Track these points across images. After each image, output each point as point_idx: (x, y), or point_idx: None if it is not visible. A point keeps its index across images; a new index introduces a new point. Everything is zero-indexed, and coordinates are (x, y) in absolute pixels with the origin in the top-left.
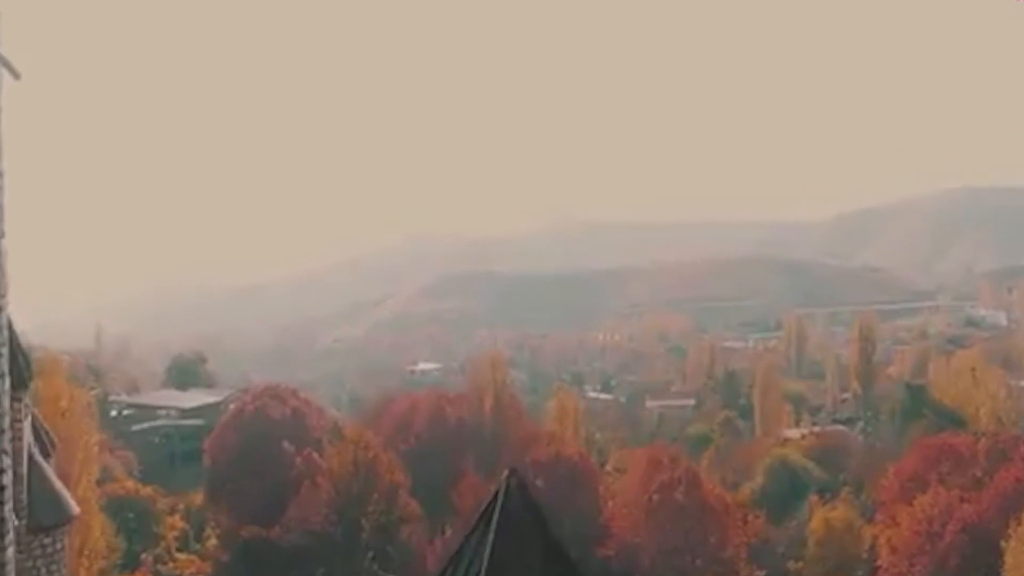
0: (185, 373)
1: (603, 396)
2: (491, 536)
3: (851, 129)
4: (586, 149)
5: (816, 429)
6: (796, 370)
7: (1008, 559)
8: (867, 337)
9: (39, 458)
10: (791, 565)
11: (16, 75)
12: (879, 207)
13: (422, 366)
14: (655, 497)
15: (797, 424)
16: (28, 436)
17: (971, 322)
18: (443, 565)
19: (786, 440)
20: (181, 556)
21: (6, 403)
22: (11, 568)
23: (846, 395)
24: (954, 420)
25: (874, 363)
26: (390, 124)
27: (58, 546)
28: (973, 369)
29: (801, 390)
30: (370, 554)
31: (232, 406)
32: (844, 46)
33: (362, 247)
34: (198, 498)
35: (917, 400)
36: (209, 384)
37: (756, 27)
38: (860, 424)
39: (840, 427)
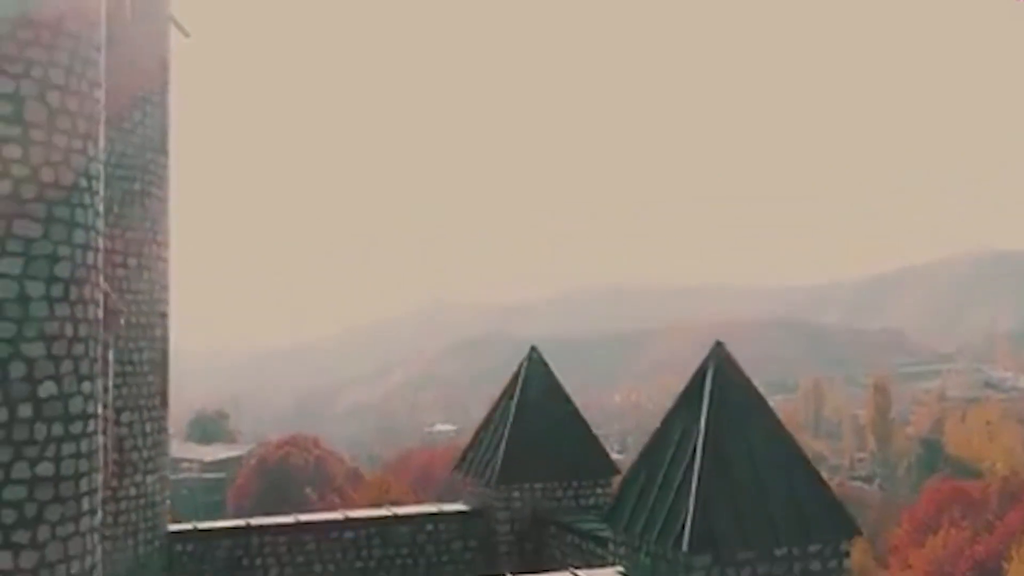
0: (207, 428)
1: (622, 456)
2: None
3: (869, 195)
4: (605, 216)
5: (834, 481)
6: (814, 430)
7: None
8: (882, 392)
9: None
10: None
11: (186, 34)
12: (898, 271)
13: (439, 427)
14: None
15: None
16: None
17: (989, 384)
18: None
19: None
20: None
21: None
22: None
23: (863, 454)
24: (970, 473)
25: (892, 423)
26: (408, 194)
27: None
28: (988, 422)
29: (819, 449)
30: None
31: (256, 455)
32: (863, 118)
33: (380, 313)
34: None
35: (933, 454)
36: (231, 439)
37: (778, 93)
38: (877, 481)
39: (857, 483)
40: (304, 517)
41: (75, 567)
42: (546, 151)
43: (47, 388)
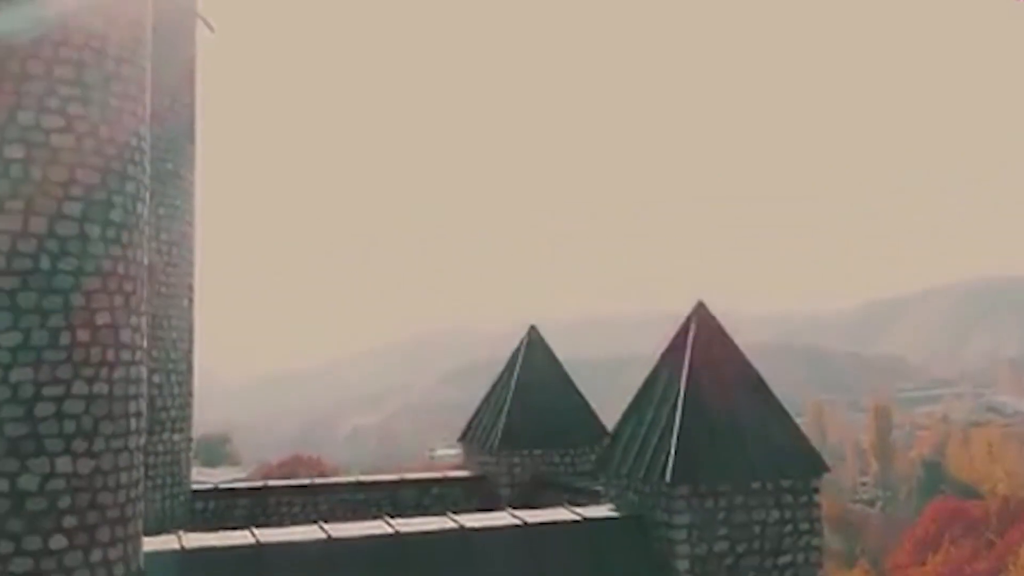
0: (211, 451)
1: None
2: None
3: (871, 221)
4: (611, 242)
5: (837, 505)
6: None
7: None
8: (883, 416)
9: None
10: None
11: (212, 28)
12: (901, 296)
13: (441, 451)
14: None
15: None
16: None
17: (992, 408)
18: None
19: None
20: None
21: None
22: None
23: (866, 479)
24: (972, 495)
25: (893, 446)
26: (412, 218)
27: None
28: (989, 444)
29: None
30: None
31: (259, 476)
32: (863, 142)
33: (380, 339)
34: None
35: (935, 477)
36: (234, 462)
37: (782, 122)
38: (879, 504)
39: (860, 506)
40: (319, 480)
41: (124, 478)
42: (550, 175)
43: (102, 317)
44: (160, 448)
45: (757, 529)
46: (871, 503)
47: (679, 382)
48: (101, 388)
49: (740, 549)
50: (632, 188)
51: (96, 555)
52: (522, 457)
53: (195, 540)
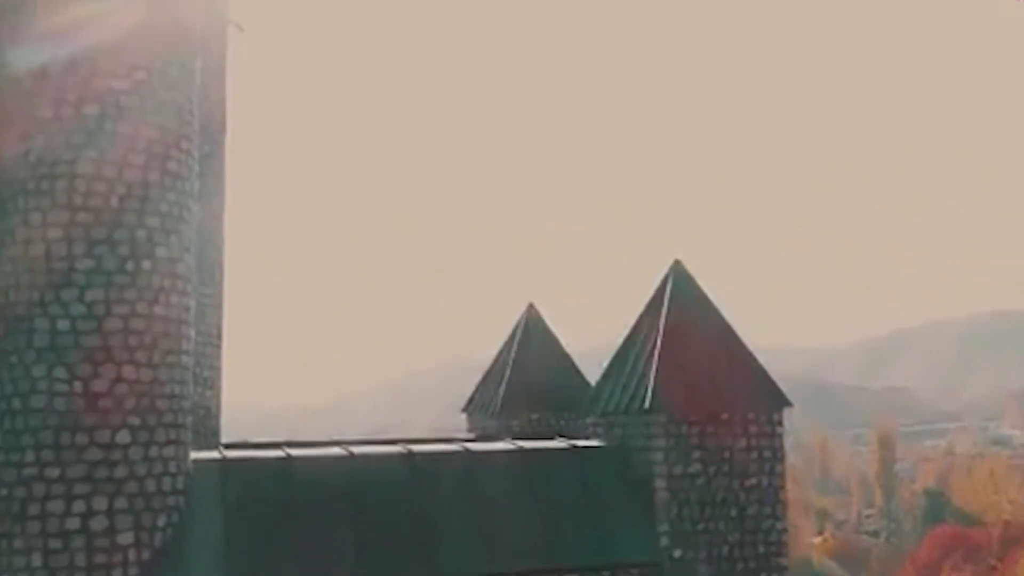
0: None
1: None
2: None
3: (877, 253)
4: (619, 271)
5: (842, 536)
6: (821, 487)
7: None
8: (886, 445)
9: None
10: None
11: (241, 29)
12: (905, 330)
13: None
14: None
15: (820, 534)
16: None
17: (998, 441)
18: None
19: (809, 546)
20: None
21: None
22: None
23: (871, 511)
24: (975, 524)
25: (897, 477)
26: (426, 253)
27: None
28: (991, 472)
29: (826, 505)
30: None
31: None
32: (870, 174)
33: (397, 370)
34: None
35: (939, 507)
36: None
37: (786, 154)
38: (884, 535)
39: (864, 536)
40: (343, 439)
41: (176, 389)
42: (547, 195)
43: (161, 251)
44: (196, 401)
45: (726, 454)
46: (876, 534)
47: (657, 329)
48: (160, 310)
49: (711, 471)
50: (636, 223)
51: (154, 451)
52: (521, 420)
53: (234, 452)
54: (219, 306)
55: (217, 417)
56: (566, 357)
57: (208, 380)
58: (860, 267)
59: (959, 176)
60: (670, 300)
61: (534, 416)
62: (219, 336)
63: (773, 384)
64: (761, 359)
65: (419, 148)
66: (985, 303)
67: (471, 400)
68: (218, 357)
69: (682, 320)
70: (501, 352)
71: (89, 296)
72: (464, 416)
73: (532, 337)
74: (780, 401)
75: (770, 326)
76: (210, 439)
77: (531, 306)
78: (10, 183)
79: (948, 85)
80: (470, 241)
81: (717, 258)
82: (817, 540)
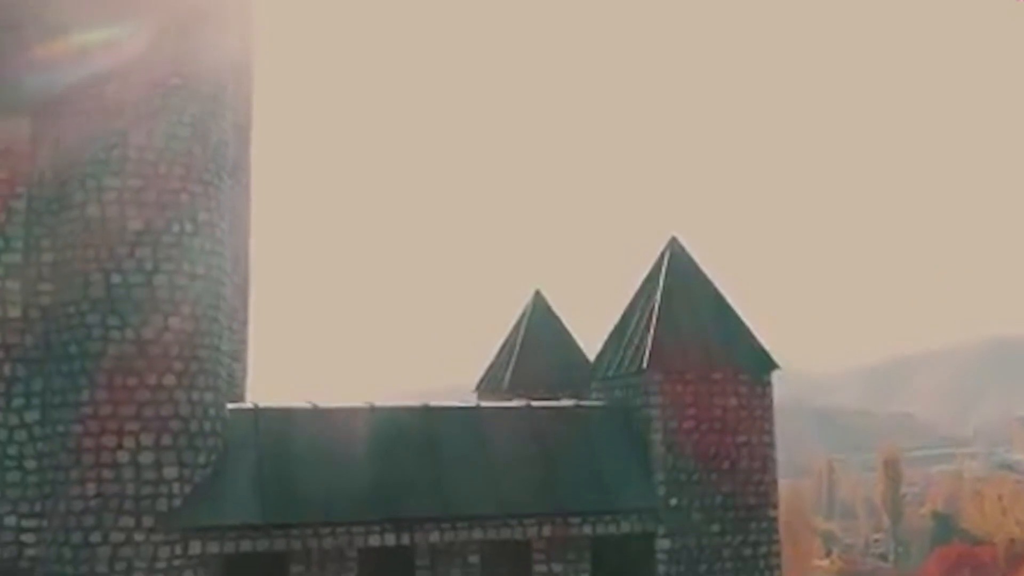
0: None
1: None
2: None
3: (884, 279)
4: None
5: (849, 559)
6: (828, 511)
7: None
8: (893, 467)
9: None
10: None
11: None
12: (913, 355)
13: None
14: None
15: (827, 557)
16: None
17: (1005, 466)
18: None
19: (816, 567)
20: None
21: None
22: None
23: (879, 535)
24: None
25: (904, 500)
26: (430, 254)
27: None
28: (1000, 495)
29: (832, 529)
30: None
31: None
32: (874, 203)
33: (430, 384)
34: None
35: (946, 529)
36: None
37: (790, 186)
38: (893, 558)
39: (872, 560)
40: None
41: (214, 340)
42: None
43: (202, 216)
44: (223, 373)
45: (719, 412)
46: (884, 557)
47: (654, 299)
48: (201, 270)
49: (704, 427)
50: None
51: (195, 395)
52: (527, 397)
53: (266, 403)
54: (245, 293)
55: (243, 387)
56: (570, 340)
57: (236, 353)
58: (867, 292)
59: (966, 203)
60: (666, 272)
61: (540, 395)
62: (245, 307)
63: (762, 348)
64: None
65: (419, 147)
66: (993, 329)
67: (481, 381)
68: (245, 331)
69: (677, 289)
70: (509, 336)
71: (139, 253)
72: (474, 395)
73: (538, 321)
74: (769, 364)
75: (776, 350)
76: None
77: (537, 292)
78: (71, 156)
79: (968, 111)
80: (471, 238)
81: (721, 280)
82: (824, 563)
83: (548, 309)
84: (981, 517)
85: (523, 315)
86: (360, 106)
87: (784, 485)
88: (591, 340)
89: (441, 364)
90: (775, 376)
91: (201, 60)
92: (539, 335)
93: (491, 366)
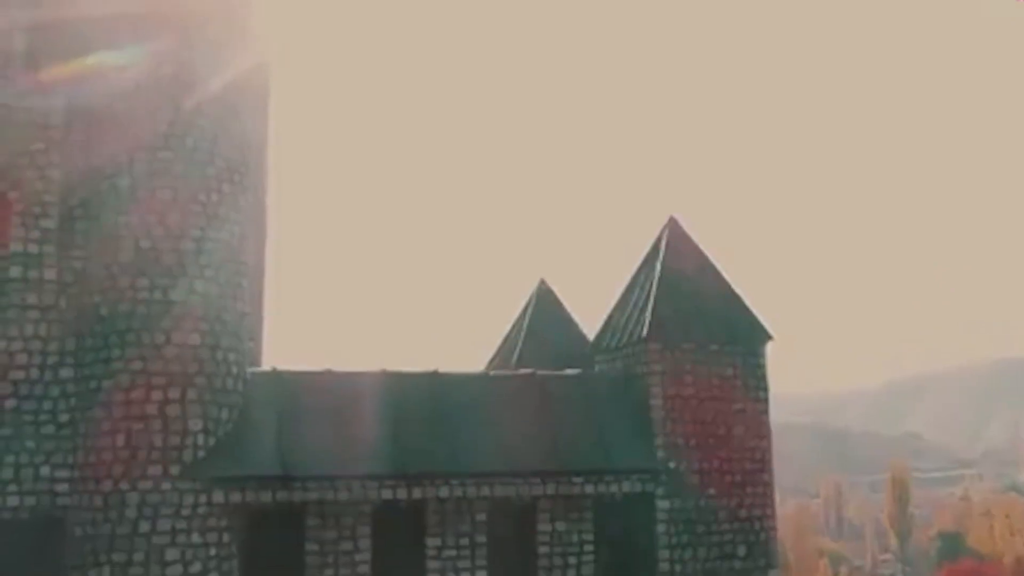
0: None
1: None
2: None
3: (892, 299)
4: None
5: None
6: (836, 532)
7: None
8: (901, 485)
9: None
10: None
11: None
12: (922, 376)
13: None
14: None
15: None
16: None
17: (1014, 487)
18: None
19: None
20: None
21: None
22: None
23: (886, 556)
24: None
25: (913, 522)
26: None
27: None
28: (1007, 515)
29: (840, 549)
30: None
31: None
32: (882, 223)
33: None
34: None
35: (953, 548)
36: None
37: (799, 207)
38: None
39: None
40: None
41: (238, 305)
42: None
43: (226, 187)
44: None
45: (715, 381)
46: None
47: (654, 275)
48: (225, 236)
49: (701, 395)
50: None
51: (219, 355)
52: None
53: (284, 367)
54: (262, 264)
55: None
56: (574, 327)
57: (252, 332)
58: (875, 313)
59: (976, 224)
60: (665, 249)
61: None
62: (261, 293)
63: (757, 321)
64: (774, 404)
65: (421, 147)
66: (1002, 350)
67: (488, 367)
68: (261, 313)
69: (676, 266)
70: (515, 323)
71: (168, 220)
72: None
73: (543, 309)
74: (763, 335)
75: (784, 371)
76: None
77: (542, 281)
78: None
79: (983, 125)
80: (478, 229)
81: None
82: None
83: (553, 297)
84: (989, 537)
85: (528, 303)
86: (362, 107)
87: (792, 505)
88: (595, 327)
89: (448, 352)
90: (783, 397)
91: (221, 74)
92: (544, 322)
93: (497, 353)
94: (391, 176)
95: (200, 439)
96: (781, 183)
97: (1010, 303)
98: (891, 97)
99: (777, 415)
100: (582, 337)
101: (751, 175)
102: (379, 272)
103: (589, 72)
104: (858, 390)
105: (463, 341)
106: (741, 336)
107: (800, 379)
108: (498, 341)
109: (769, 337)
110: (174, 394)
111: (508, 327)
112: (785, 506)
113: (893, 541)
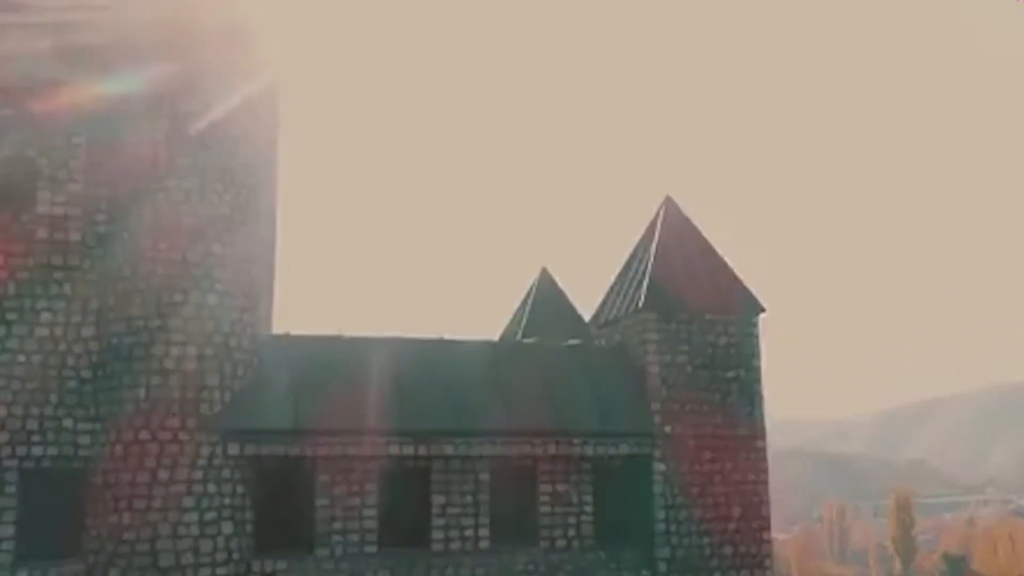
0: None
1: None
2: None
3: (896, 325)
4: None
5: None
6: (840, 556)
7: None
8: (904, 509)
9: None
10: None
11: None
12: (926, 402)
13: None
14: None
15: None
16: None
17: (1019, 513)
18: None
19: None
20: None
21: None
22: None
23: None
24: None
25: (918, 548)
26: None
27: None
28: (1011, 536)
29: (843, 574)
30: None
31: None
32: (885, 249)
33: None
34: None
35: (957, 571)
36: None
37: (803, 238)
38: None
39: None
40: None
41: (253, 269)
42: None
43: (244, 179)
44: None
45: (709, 350)
46: None
47: (650, 250)
48: (242, 202)
49: (696, 362)
50: None
51: (235, 314)
52: None
53: (298, 332)
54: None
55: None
56: (575, 315)
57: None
58: (878, 339)
59: (978, 250)
60: (662, 227)
61: None
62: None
63: (750, 293)
64: (778, 430)
65: (419, 142)
66: (1006, 375)
67: None
68: (270, 305)
69: (672, 242)
70: (517, 311)
71: (186, 184)
72: None
73: (544, 297)
74: (756, 307)
75: (787, 397)
76: None
77: (544, 270)
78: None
79: (998, 283)
80: (480, 221)
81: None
82: None
83: (554, 286)
84: (994, 559)
85: (530, 292)
86: (365, 107)
87: (796, 530)
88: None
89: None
90: (786, 423)
91: (228, 97)
92: (545, 310)
93: (501, 339)
94: (393, 173)
95: (216, 394)
96: (789, 202)
97: (1012, 328)
98: (890, 100)
99: (780, 441)
100: (583, 325)
101: (755, 198)
102: (379, 271)
103: (588, 72)
104: (861, 416)
105: (466, 332)
106: (734, 307)
107: (803, 405)
108: (500, 330)
109: (762, 309)
110: (192, 350)
111: (510, 317)
112: (789, 530)
113: (898, 565)
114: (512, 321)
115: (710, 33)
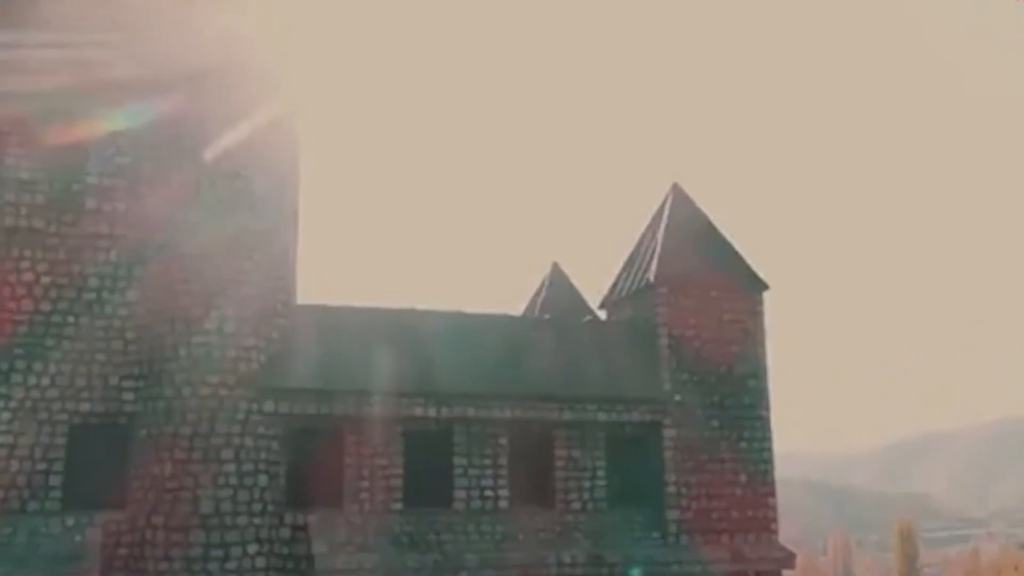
0: None
1: None
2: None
3: (899, 359)
4: None
5: None
6: None
7: None
8: (907, 538)
9: None
10: None
11: None
12: (929, 436)
13: None
14: None
15: None
16: None
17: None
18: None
19: None
20: None
21: None
22: None
23: None
24: None
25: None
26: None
27: None
28: (1016, 568)
29: None
30: None
31: None
32: (889, 281)
33: None
34: None
35: None
36: None
37: (807, 256)
38: None
39: None
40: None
41: (284, 239)
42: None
43: (258, 185)
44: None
45: (715, 324)
46: None
47: (659, 232)
48: (270, 173)
49: (704, 336)
50: None
51: (270, 282)
52: None
53: (332, 303)
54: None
55: None
56: (587, 308)
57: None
58: (882, 373)
59: (981, 283)
60: (669, 211)
61: None
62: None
63: (754, 272)
64: (783, 462)
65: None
66: (1012, 410)
67: None
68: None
69: (679, 224)
70: (529, 305)
71: (224, 166)
72: None
73: (556, 291)
74: (760, 285)
75: (791, 430)
76: None
77: (555, 264)
78: None
79: (1002, 317)
80: (494, 217)
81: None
82: None
83: (565, 279)
84: None
85: (542, 286)
86: (369, 107)
87: (799, 562)
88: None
89: None
90: (789, 455)
91: (242, 123)
92: (558, 304)
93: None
94: (397, 173)
95: (253, 354)
96: (796, 225)
97: (1019, 363)
98: (891, 105)
99: (784, 473)
100: (591, 313)
101: (763, 217)
102: (386, 271)
103: (592, 72)
104: (866, 450)
105: None
106: (740, 285)
107: (807, 438)
108: None
109: (766, 287)
110: (230, 312)
111: (522, 309)
112: (795, 562)
113: None
114: (526, 311)
115: (711, 33)
